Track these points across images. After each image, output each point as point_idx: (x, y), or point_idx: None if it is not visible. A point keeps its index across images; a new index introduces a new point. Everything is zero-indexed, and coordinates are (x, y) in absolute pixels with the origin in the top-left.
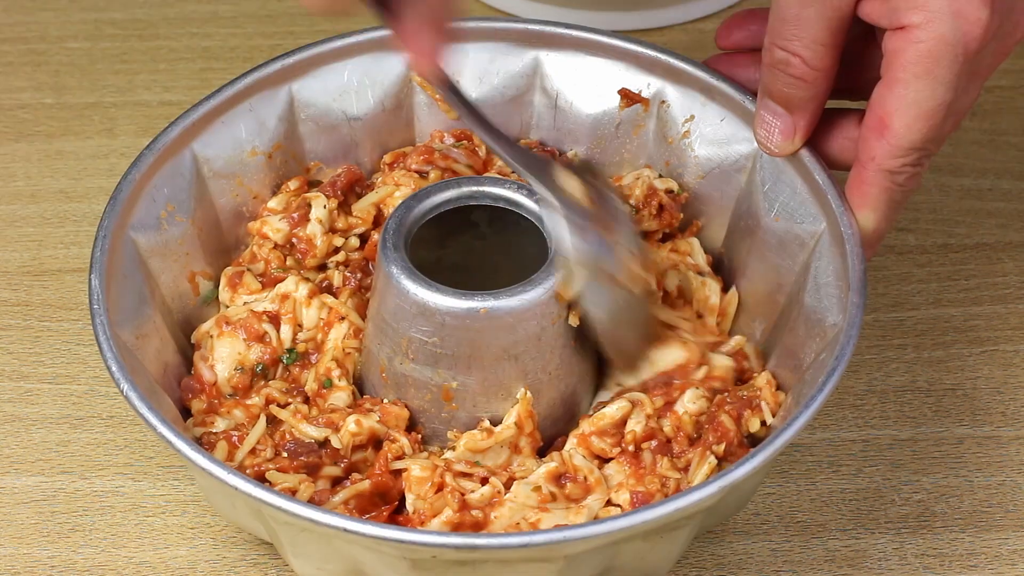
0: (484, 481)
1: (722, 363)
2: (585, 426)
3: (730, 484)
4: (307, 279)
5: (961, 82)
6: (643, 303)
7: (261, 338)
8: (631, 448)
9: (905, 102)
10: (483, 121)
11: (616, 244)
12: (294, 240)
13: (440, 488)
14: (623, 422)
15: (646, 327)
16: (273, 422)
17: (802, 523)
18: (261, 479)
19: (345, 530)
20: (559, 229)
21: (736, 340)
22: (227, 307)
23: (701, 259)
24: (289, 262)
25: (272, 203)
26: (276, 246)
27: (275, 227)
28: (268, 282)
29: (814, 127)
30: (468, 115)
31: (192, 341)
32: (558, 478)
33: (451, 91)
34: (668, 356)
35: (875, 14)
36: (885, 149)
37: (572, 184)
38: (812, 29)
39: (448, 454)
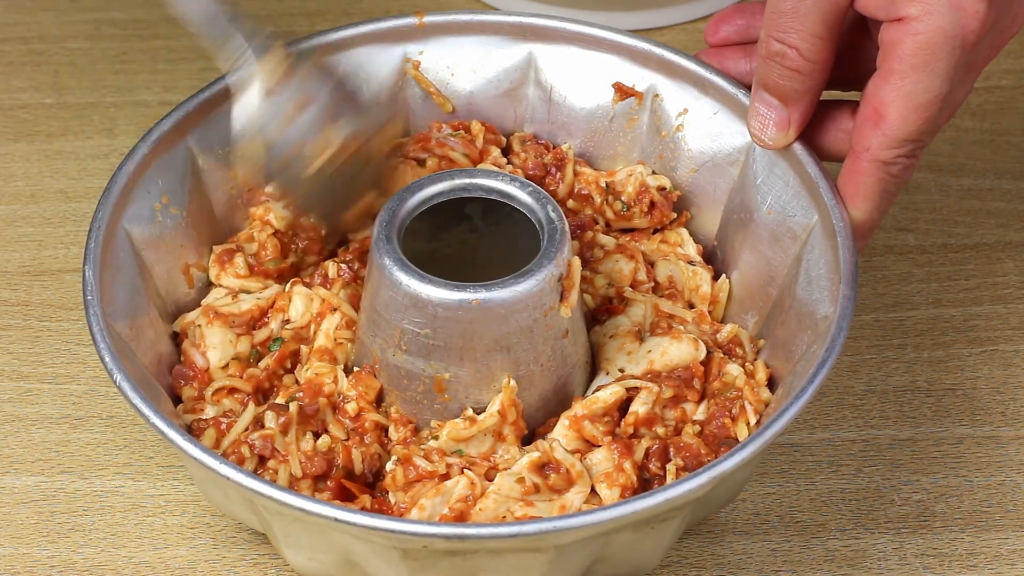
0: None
1: (735, 372)
2: (578, 408)
3: (719, 475)
4: (302, 281)
5: (957, 74)
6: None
7: (252, 326)
8: (630, 431)
9: (902, 93)
10: None
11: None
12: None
13: (418, 480)
14: (616, 408)
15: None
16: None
17: (802, 523)
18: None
19: (336, 520)
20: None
21: (730, 328)
22: (215, 286)
23: (691, 249)
24: (291, 259)
25: (270, 187)
26: (276, 232)
27: (279, 214)
28: (259, 270)
29: (808, 119)
30: None
31: (177, 330)
32: (541, 468)
33: None
34: (674, 350)
35: (872, 6)
36: (880, 140)
37: (273, 58)
38: (809, 21)
39: (431, 443)
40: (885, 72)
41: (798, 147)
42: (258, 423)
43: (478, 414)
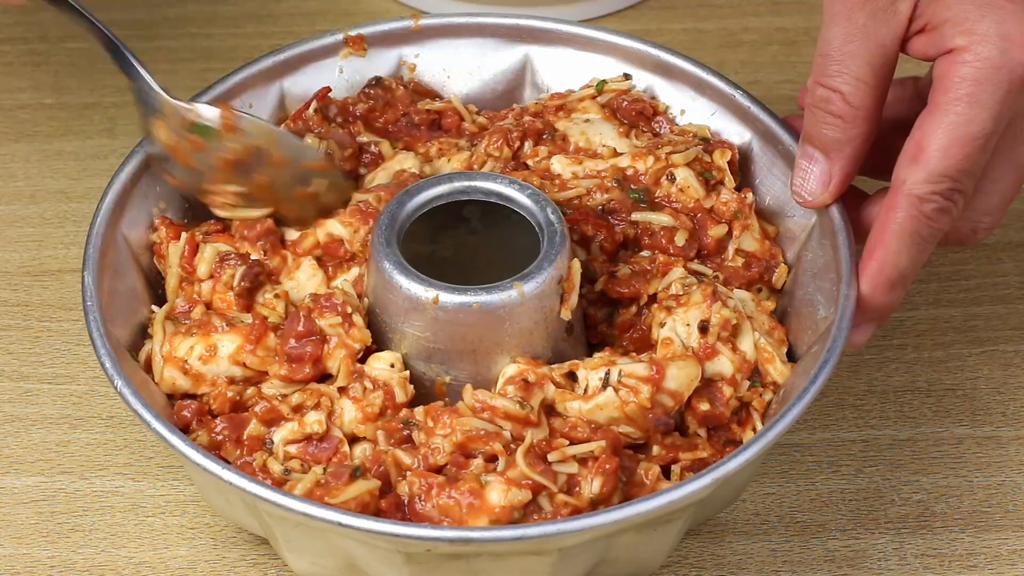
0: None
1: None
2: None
3: (723, 476)
4: None
5: (1005, 112)
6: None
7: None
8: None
9: (943, 124)
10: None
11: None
12: None
13: None
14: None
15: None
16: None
17: (802, 523)
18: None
19: (340, 524)
20: None
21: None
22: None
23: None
24: None
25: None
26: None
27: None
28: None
29: (851, 177)
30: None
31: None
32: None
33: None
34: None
35: (922, 46)
36: (917, 174)
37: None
38: (854, 65)
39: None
40: (931, 106)
41: (794, 145)
42: None
43: None
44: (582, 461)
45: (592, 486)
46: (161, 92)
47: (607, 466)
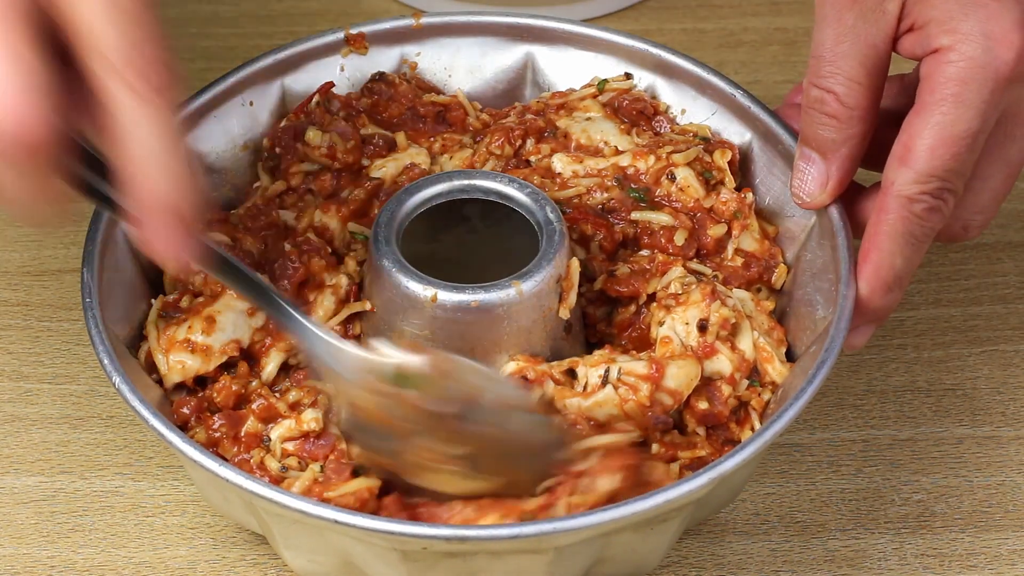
0: None
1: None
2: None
3: (720, 476)
4: None
5: (991, 111)
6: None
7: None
8: None
9: (930, 124)
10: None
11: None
12: None
13: None
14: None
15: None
16: None
17: (802, 523)
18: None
19: (336, 522)
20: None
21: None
22: None
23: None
24: None
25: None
26: None
27: None
28: None
29: (848, 178)
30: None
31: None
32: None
33: (221, 272)
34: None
35: (910, 46)
36: (905, 175)
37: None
38: (847, 66)
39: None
40: (917, 106)
41: (794, 145)
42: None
43: None
44: None
45: None
46: (345, 346)
47: None
